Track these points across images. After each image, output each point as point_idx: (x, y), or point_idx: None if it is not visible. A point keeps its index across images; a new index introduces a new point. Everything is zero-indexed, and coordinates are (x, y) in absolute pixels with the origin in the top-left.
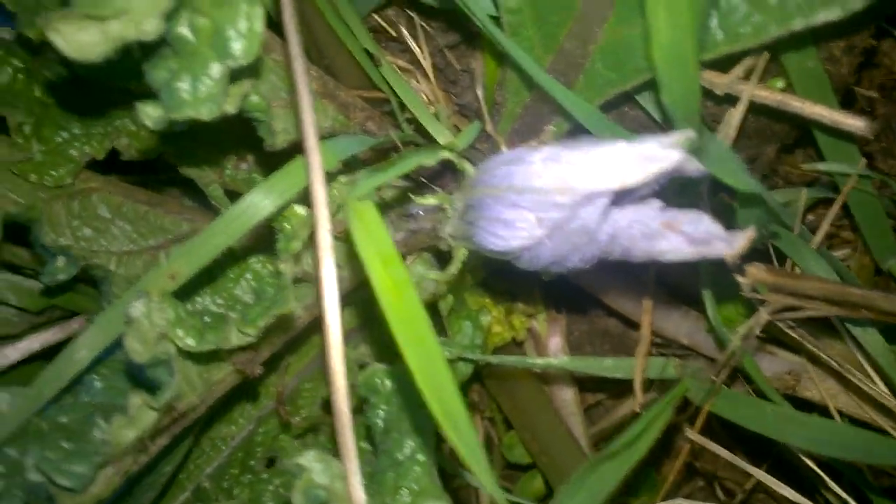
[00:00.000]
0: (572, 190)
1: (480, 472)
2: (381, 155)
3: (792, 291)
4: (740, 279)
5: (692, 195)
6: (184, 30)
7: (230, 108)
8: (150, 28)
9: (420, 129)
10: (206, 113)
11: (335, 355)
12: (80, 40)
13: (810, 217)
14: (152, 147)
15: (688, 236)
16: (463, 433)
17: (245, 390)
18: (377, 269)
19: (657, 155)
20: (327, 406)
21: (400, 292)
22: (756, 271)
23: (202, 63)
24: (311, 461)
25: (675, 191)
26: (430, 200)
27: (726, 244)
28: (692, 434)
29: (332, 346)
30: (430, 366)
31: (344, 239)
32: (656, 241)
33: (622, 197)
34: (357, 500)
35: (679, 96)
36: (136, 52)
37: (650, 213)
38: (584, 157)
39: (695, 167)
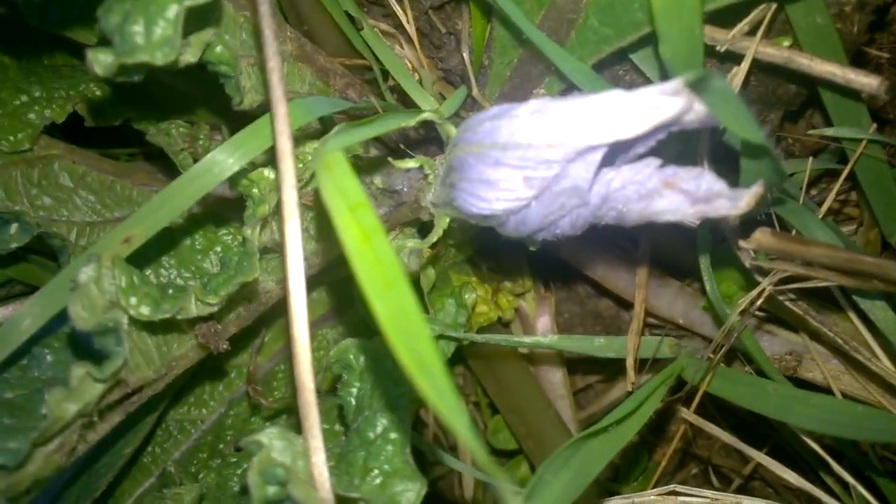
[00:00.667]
0: (562, 144)
1: (460, 427)
2: None
3: (800, 258)
4: (743, 244)
5: (689, 159)
6: None
7: (190, 56)
8: None
9: (403, 98)
10: (160, 57)
11: (299, 325)
12: None
13: (812, 192)
14: (110, 109)
15: (688, 194)
16: (442, 390)
17: (216, 370)
18: (343, 217)
19: (657, 103)
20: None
21: (368, 238)
22: (762, 236)
23: (158, 3)
24: (271, 438)
25: (672, 156)
26: (409, 163)
27: (731, 202)
28: (687, 414)
29: (296, 315)
30: (404, 317)
31: (317, 210)
32: (653, 201)
33: (615, 154)
34: (319, 479)
35: (680, 49)
36: None
37: (647, 172)
38: (575, 108)
39: (696, 117)
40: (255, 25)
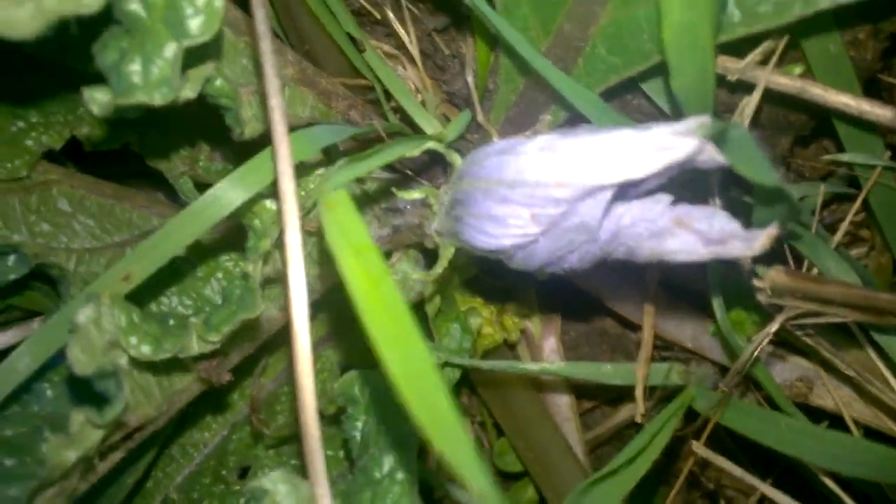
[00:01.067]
0: (571, 184)
1: (479, 482)
2: (365, 147)
3: (815, 297)
4: (757, 283)
5: (700, 190)
6: (135, 6)
7: (190, 92)
8: (90, 1)
9: (406, 119)
10: (159, 98)
11: (304, 369)
12: (12, 16)
13: (822, 214)
14: (113, 135)
15: (701, 235)
16: (454, 440)
17: (218, 395)
18: (349, 262)
19: (669, 144)
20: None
21: (376, 285)
22: (776, 275)
23: (155, 42)
24: (276, 483)
25: (681, 185)
26: (414, 194)
27: (745, 244)
28: (698, 447)
29: (301, 359)
30: (413, 364)
31: (320, 235)
32: (665, 240)
33: (626, 190)
34: None
35: (692, 82)
36: (73, 29)
37: (658, 209)
38: (584, 146)
39: (711, 158)
40: (255, 57)
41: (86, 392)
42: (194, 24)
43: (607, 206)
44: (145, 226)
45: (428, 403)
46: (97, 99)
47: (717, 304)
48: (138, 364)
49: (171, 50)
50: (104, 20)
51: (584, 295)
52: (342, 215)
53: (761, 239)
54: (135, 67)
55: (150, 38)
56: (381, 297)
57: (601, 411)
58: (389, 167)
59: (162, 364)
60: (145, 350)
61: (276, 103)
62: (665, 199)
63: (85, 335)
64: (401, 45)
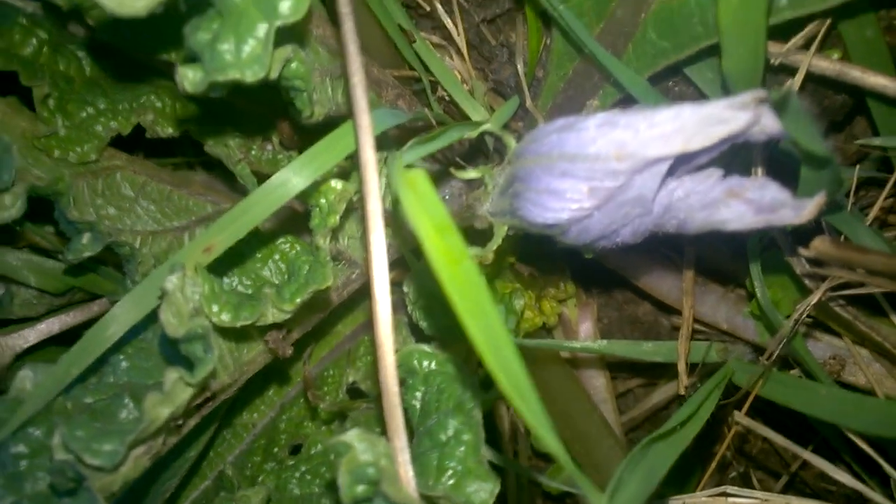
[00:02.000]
0: (631, 156)
1: (549, 441)
2: (411, 135)
3: (858, 266)
4: (803, 252)
5: (740, 168)
6: None
7: (272, 73)
8: None
9: (450, 109)
10: (250, 75)
11: (384, 329)
12: None
13: (854, 198)
14: (178, 121)
15: (753, 203)
16: (529, 403)
17: (268, 376)
18: (433, 239)
19: (726, 116)
20: (353, 392)
21: (458, 261)
22: (821, 244)
23: (248, 22)
24: (354, 439)
25: (724, 164)
26: (470, 174)
27: (794, 212)
28: (741, 417)
29: (381, 320)
30: (493, 336)
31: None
32: (717, 210)
33: (678, 165)
34: (405, 478)
35: (743, 63)
36: (181, 6)
37: (710, 182)
38: (644, 120)
39: (761, 130)
40: (339, 41)
41: (171, 357)
42: (285, 5)
43: (662, 180)
44: (201, 212)
45: (507, 369)
46: (190, 77)
47: (756, 280)
48: (215, 332)
49: (262, 29)
50: (195, 4)
51: (618, 281)
52: (422, 192)
53: (810, 207)
54: (228, 46)
55: (244, 18)
56: (464, 273)
57: (634, 395)
58: (432, 157)
59: (234, 333)
60: (225, 317)
61: (358, 80)
62: (717, 172)
63: (173, 300)
64: (447, 37)
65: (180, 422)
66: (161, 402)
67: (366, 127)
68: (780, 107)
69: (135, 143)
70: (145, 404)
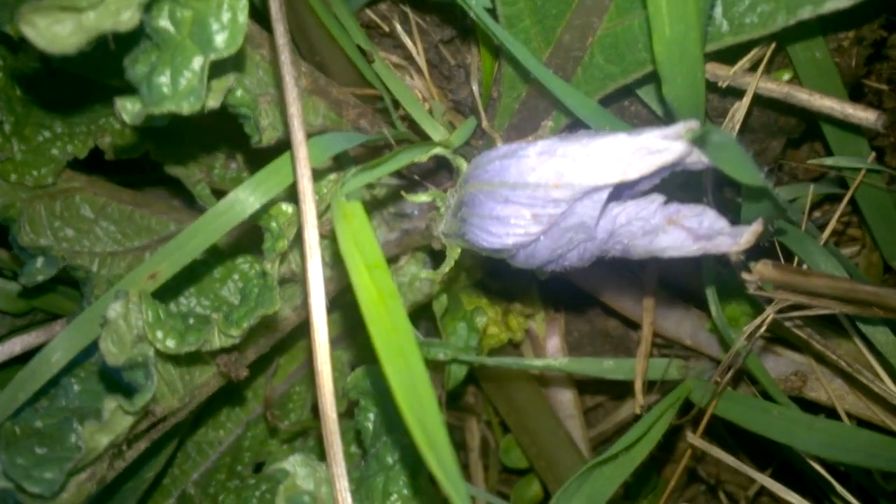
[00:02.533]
0: (570, 185)
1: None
2: (374, 153)
3: (801, 289)
4: (746, 276)
5: (694, 190)
6: (164, 22)
7: (213, 102)
8: (126, 18)
9: (414, 127)
10: (186, 107)
11: (321, 356)
12: (55, 32)
13: (816, 214)
14: (134, 145)
15: (691, 231)
16: (443, 460)
17: (232, 393)
18: (361, 277)
19: (660, 146)
20: (318, 410)
21: (385, 303)
22: (763, 268)
23: (183, 56)
24: (295, 465)
25: (676, 186)
26: (422, 197)
27: (732, 239)
28: (695, 439)
29: (319, 347)
30: (412, 386)
31: (332, 238)
32: (657, 237)
33: (621, 191)
34: None
35: (683, 90)
36: (111, 45)
37: (651, 208)
38: (581, 149)
39: (698, 159)
40: (274, 65)
41: (114, 384)
42: (220, 39)
43: (604, 206)
44: (163, 231)
45: (422, 419)
46: (128, 108)
47: (711, 300)
48: (163, 358)
49: (198, 63)
50: (132, 36)
51: (586, 296)
52: (356, 227)
53: (746, 235)
54: (164, 79)
55: (179, 51)
56: (388, 313)
57: (604, 409)
58: (398, 173)
59: (185, 358)
60: (170, 344)
61: (294, 111)
62: (658, 198)
63: (115, 329)
64: (408, 56)
65: (124, 447)
66: (99, 430)
67: (303, 159)
68: (701, 142)
69: (95, 163)
70: (84, 433)
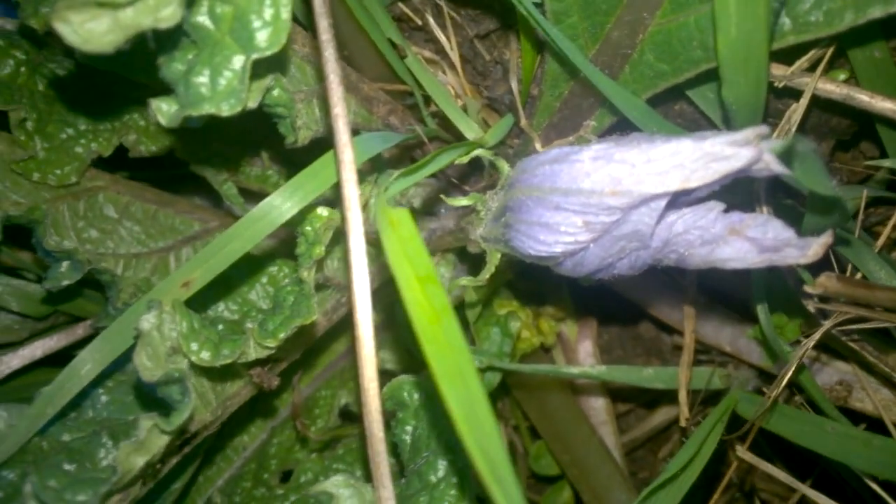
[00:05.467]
0: (628, 192)
1: None
2: (404, 151)
3: (864, 302)
4: (808, 289)
5: (744, 193)
6: (203, 18)
7: (251, 103)
8: (167, 15)
9: (445, 124)
10: (226, 109)
11: (368, 373)
12: (91, 30)
13: (862, 217)
14: (163, 144)
15: (755, 242)
16: (505, 483)
17: (258, 398)
18: (413, 291)
19: (727, 153)
20: (345, 415)
21: (439, 321)
22: (827, 281)
23: (223, 54)
24: (338, 487)
25: (726, 189)
26: (461, 201)
27: (799, 252)
28: (743, 452)
29: (365, 366)
30: (472, 409)
31: (369, 243)
32: (718, 248)
33: (678, 197)
34: None
35: (744, 93)
36: (150, 43)
37: (711, 217)
38: (641, 155)
39: (767, 167)
40: (309, 60)
41: (148, 399)
42: (262, 36)
43: (661, 214)
44: (187, 231)
45: (483, 444)
46: (164, 110)
47: (761, 309)
48: (196, 370)
49: (238, 62)
50: (168, 33)
51: (618, 298)
52: (405, 236)
53: (815, 247)
54: (203, 79)
55: (219, 50)
56: (443, 331)
57: (635, 414)
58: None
59: (216, 370)
60: (205, 356)
61: (339, 111)
62: (718, 206)
63: (149, 341)
64: (441, 51)
65: (158, 466)
66: (135, 451)
67: (348, 163)
68: (783, 153)
69: (118, 162)
70: (119, 454)
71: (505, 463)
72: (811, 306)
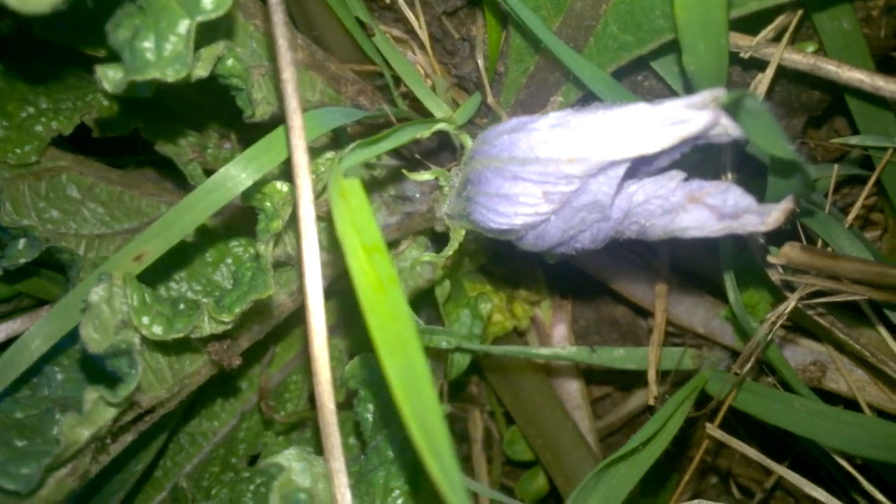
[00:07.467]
0: (584, 159)
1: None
2: (374, 132)
3: (830, 273)
4: (772, 259)
5: (711, 171)
6: None
7: (201, 70)
8: None
9: (416, 104)
10: (171, 74)
11: (318, 342)
12: None
13: (835, 196)
14: (122, 120)
15: (715, 210)
16: (443, 462)
17: (227, 382)
18: (359, 260)
19: (683, 116)
20: (315, 400)
21: (384, 289)
22: (791, 250)
23: (169, 19)
24: (290, 460)
25: (692, 165)
26: (424, 176)
27: (759, 218)
28: (712, 430)
29: (315, 333)
30: (412, 379)
31: (329, 220)
32: (678, 216)
33: (638, 167)
34: (342, 503)
35: (704, 58)
36: (88, 4)
37: (671, 186)
38: (597, 121)
39: (723, 131)
40: (269, 35)
41: (97, 373)
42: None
43: (620, 183)
44: (154, 213)
45: (421, 415)
46: (109, 76)
47: (730, 286)
48: (150, 344)
49: (184, 26)
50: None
51: (594, 282)
52: (354, 206)
53: (776, 213)
54: (148, 44)
55: (164, 14)
56: (388, 300)
57: (611, 399)
58: (398, 153)
59: (173, 345)
60: (157, 330)
61: (288, 76)
62: (678, 175)
63: (97, 314)
64: (410, 30)
65: (107, 440)
66: (80, 423)
67: (297, 128)
68: (734, 108)
69: (83, 143)
70: (63, 426)
71: (443, 435)
72: (776, 277)
